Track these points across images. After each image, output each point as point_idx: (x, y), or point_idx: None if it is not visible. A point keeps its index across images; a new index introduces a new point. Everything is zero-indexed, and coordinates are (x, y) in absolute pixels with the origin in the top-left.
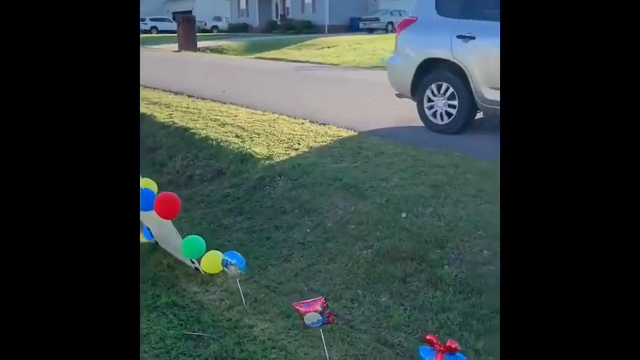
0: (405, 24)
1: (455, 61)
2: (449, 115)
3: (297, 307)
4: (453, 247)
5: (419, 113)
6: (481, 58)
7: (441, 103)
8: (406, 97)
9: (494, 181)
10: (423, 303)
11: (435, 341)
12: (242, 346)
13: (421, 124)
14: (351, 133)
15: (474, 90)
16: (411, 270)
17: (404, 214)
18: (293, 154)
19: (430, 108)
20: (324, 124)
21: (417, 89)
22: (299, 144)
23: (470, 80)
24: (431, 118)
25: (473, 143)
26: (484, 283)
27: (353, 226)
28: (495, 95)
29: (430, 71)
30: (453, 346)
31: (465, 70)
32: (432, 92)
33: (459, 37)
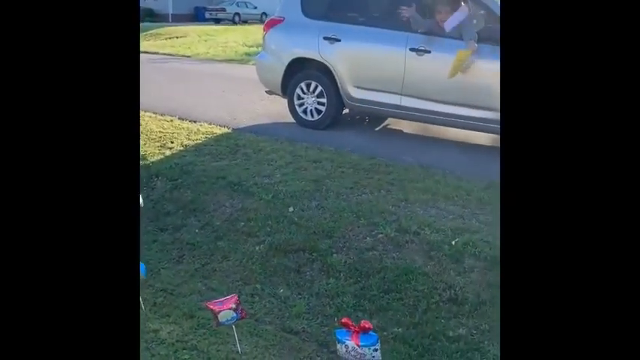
0: (272, 23)
1: (322, 61)
2: (318, 111)
3: (211, 307)
4: (339, 237)
5: (290, 110)
6: (346, 59)
7: (310, 101)
8: (276, 94)
9: (366, 173)
10: (318, 290)
11: (349, 323)
12: (151, 350)
13: (292, 120)
14: (225, 130)
15: (340, 88)
16: (303, 261)
17: (291, 209)
18: (168, 153)
19: (300, 105)
20: (195, 121)
21: (287, 87)
22: (172, 142)
23: (337, 79)
24: (302, 114)
25: (342, 138)
26: (370, 267)
27: (243, 223)
28: (360, 94)
29: (299, 70)
30: (366, 325)
31: (332, 70)
32: (302, 90)
33: (325, 38)
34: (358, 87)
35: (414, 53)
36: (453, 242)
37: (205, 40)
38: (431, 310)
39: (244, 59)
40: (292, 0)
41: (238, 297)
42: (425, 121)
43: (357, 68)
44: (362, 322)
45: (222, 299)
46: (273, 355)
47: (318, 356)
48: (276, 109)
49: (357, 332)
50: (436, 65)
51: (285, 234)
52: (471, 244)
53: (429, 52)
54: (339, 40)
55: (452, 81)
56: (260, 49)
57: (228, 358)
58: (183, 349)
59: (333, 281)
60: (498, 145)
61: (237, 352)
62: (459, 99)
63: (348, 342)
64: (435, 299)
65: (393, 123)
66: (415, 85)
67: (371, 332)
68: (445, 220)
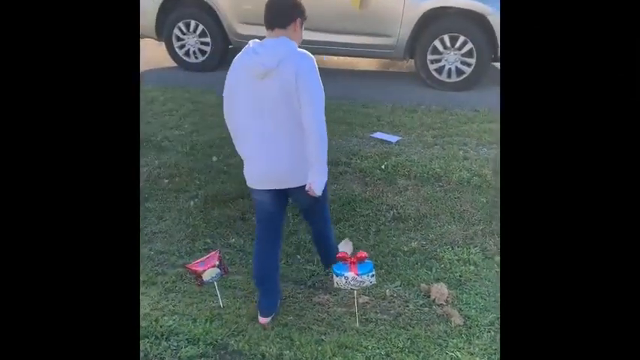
0: None
1: None
2: (202, 52)
3: (194, 268)
4: None
5: (169, 54)
6: None
7: (192, 41)
8: (150, 37)
9: None
10: None
11: (346, 256)
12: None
13: (174, 64)
14: None
15: (225, 26)
16: (246, 207)
17: (215, 158)
18: None
19: (181, 47)
20: None
21: (162, 29)
22: None
23: (219, 16)
24: (184, 57)
25: None
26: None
27: (167, 180)
28: (248, 30)
29: (174, 9)
30: (362, 255)
31: (213, 6)
32: (181, 30)
33: None
34: (244, 22)
35: None
36: (383, 166)
37: None
38: (381, 231)
39: None
40: None
41: (219, 252)
42: (319, 53)
43: (240, 2)
44: (358, 252)
45: (204, 258)
46: (256, 302)
47: (299, 294)
48: (152, 55)
49: (354, 263)
50: None
51: (217, 185)
52: (399, 165)
53: None
54: None
55: (344, 10)
56: None
57: (212, 314)
58: (163, 316)
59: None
60: (385, 69)
61: (220, 306)
62: (351, 27)
63: (347, 273)
64: (381, 220)
65: None
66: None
67: (367, 261)
68: (368, 147)
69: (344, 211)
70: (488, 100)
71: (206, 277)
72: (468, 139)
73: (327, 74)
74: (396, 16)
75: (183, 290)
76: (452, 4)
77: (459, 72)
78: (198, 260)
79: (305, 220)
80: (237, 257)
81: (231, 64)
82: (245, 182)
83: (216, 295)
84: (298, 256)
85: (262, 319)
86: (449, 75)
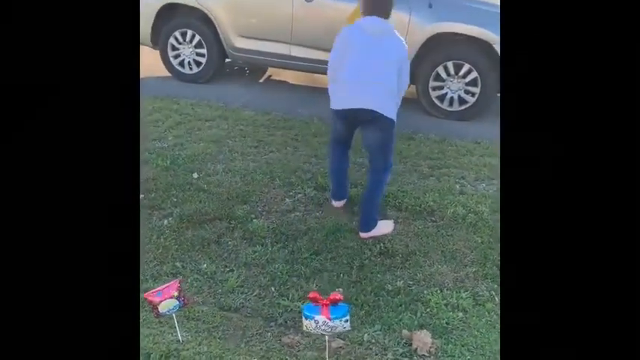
0: None
1: (200, 7)
2: (198, 63)
3: (150, 298)
4: (256, 201)
5: (163, 63)
6: (227, 4)
7: (187, 52)
8: (145, 45)
9: (267, 130)
10: (246, 260)
11: (318, 297)
12: None
13: (167, 74)
14: None
15: (222, 38)
16: (222, 230)
17: (195, 175)
18: None
19: (176, 57)
20: None
21: (158, 37)
22: None
23: (217, 28)
24: (179, 67)
25: (227, 92)
26: (295, 229)
27: (142, 195)
28: (245, 43)
29: (172, 18)
30: (337, 297)
31: (211, 17)
32: (177, 40)
33: None
34: (242, 36)
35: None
36: None
37: None
38: (365, 266)
39: None
40: None
41: (179, 282)
42: (316, 72)
43: (240, 15)
44: (332, 294)
45: (161, 287)
46: (219, 339)
47: (267, 332)
48: (147, 62)
49: (327, 305)
50: (327, 11)
51: (194, 203)
52: (390, 195)
53: None
54: None
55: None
56: None
57: (170, 349)
58: None
59: (259, 249)
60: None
61: (179, 340)
62: None
63: (318, 317)
64: (367, 254)
65: (275, 73)
66: (305, 34)
67: (340, 304)
68: (358, 173)
69: (327, 241)
70: (491, 132)
71: (162, 309)
72: (466, 173)
73: (324, 94)
74: None
75: (142, 319)
76: (457, 30)
77: (462, 101)
78: (156, 289)
79: (368, 160)
80: (206, 285)
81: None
82: (224, 202)
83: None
84: (272, 289)
85: (336, 203)
86: (451, 103)
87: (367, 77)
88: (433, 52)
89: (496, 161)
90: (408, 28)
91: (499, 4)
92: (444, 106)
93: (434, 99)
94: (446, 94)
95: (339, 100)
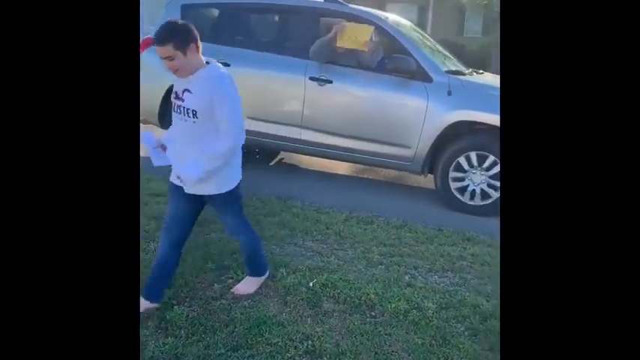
0: (150, 42)
1: None
2: None
3: None
4: (182, 285)
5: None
6: (239, 86)
7: None
8: (151, 123)
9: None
10: (153, 354)
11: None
12: None
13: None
14: None
15: None
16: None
17: None
18: None
19: None
20: None
21: (165, 116)
22: None
23: None
24: None
25: None
26: (217, 319)
27: None
28: (255, 126)
29: None
30: None
31: None
32: None
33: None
34: (252, 118)
35: (314, 83)
36: (311, 284)
37: None
38: None
39: None
40: (173, 16)
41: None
42: (328, 157)
43: (250, 97)
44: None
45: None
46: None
47: None
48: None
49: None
50: (339, 96)
51: None
52: (330, 284)
53: (331, 82)
54: (229, 65)
55: (359, 114)
56: None
57: None
58: None
59: (171, 340)
60: (359, 174)
61: None
62: (365, 133)
63: None
64: (291, 353)
65: (288, 157)
66: (316, 118)
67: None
68: (303, 258)
69: (249, 335)
70: (458, 217)
71: None
72: (420, 262)
73: (300, 174)
74: (415, 125)
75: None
76: (480, 119)
77: (485, 195)
78: None
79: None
80: None
81: None
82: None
83: None
84: None
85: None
86: (472, 197)
87: None
88: (455, 142)
89: (455, 252)
90: (426, 115)
91: None
92: (465, 199)
93: (454, 191)
94: (467, 186)
95: None
